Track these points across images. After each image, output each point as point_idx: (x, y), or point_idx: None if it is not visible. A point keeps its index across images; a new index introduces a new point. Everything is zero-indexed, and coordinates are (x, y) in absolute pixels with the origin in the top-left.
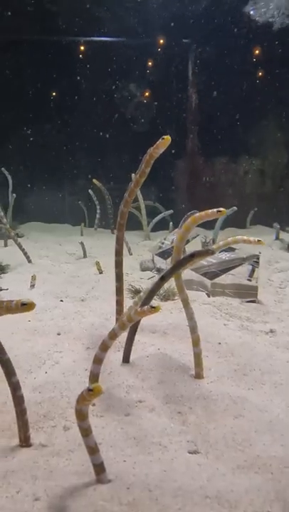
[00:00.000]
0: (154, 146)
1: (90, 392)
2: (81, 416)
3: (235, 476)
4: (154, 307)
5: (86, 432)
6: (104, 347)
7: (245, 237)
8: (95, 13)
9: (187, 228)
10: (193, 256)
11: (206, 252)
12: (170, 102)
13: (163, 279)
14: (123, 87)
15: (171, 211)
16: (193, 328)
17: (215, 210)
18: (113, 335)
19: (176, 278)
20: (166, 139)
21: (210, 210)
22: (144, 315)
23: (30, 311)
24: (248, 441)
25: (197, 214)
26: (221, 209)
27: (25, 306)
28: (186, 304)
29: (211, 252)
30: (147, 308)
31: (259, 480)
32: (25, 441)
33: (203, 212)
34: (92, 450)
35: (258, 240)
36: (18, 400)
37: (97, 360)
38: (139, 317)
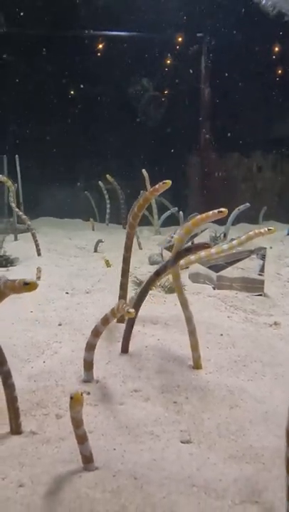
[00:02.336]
0: (152, 189)
1: (71, 400)
2: (76, 423)
3: (226, 466)
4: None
5: (81, 439)
6: (96, 333)
7: (256, 231)
8: (110, 7)
9: (188, 231)
10: (188, 250)
11: (202, 246)
12: (183, 98)
13: (158, 274)
14: (137, 82)
15: (176, 208)
16: (188, 319)
17: (216, 211)
18: (105, 320)
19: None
20: (167, 184)
21: (210, 212)
22: (123, 311)
23: (33, 290)
24: (242, 431)
25: (198, 216)
26: (222, 209)
27: (28, 286)
28: (180, 292)
29: (208, 246)
30: (121, 308)
31: (250, 470)
32: (15, 429)
33: (204, 215)
34: (86, 459)
35: (269, 229)
36: (9, 388)
37: (90, 347)
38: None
